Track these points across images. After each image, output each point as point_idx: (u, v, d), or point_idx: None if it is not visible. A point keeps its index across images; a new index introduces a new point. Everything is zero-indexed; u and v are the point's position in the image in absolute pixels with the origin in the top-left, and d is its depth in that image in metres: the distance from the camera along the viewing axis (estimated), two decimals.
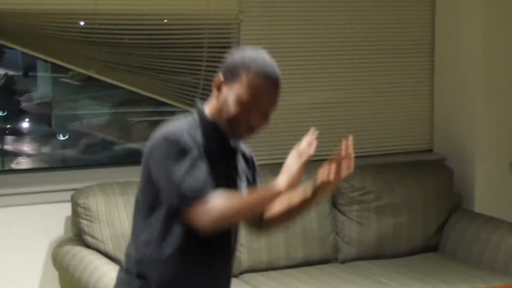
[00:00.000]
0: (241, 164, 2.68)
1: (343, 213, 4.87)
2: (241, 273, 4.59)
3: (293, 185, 2.41)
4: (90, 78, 5.32)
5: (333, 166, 2.52)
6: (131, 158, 5.54)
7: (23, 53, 5.02)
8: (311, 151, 2.46)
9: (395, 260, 4.84)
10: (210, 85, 4.80)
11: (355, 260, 4.84)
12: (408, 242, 4.95)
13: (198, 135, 2.52)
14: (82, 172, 4.83)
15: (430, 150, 5.47)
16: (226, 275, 2.74)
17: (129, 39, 4.81)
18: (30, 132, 5.84)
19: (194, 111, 2.63)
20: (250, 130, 2.53)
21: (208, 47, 4.93)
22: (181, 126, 2.53)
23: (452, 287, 4.41)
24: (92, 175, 4.70)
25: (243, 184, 2.65)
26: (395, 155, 5.32)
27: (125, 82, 4.84)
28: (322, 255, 4.78)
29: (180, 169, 2.42)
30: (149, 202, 2.58)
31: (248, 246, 4.60)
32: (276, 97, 2.53)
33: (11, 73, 5.57)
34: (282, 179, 2.41)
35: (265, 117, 2.54)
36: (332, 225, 4.82)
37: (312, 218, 4.72)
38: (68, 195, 4.49)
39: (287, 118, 5.02)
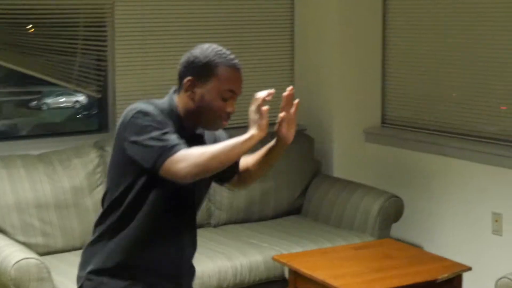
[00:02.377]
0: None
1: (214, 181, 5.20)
2: None
3: (263, 128, 2.55)
4: None
5: (282, 114, 2.66)
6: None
7: None
8: (266, 95, 2.60)
9: (263, 223, 5.25)
10: (86, 63, 5.13)
11: (226, 224, 5.20)
12: (274, 206, 5.36)
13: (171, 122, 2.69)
14: None
15: None
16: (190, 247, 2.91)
17: (4, 17, 4.95)
18: None
19: (164, 99, 2.79)
20: (229, 117, 2.75)
21: (84, 26, 5.15)
22: (154, 107, 2.70)
23: (316, 244, 4.82)
24: None
25: None
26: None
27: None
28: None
29: (156, 133, 2.60)
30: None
31: None
32: (242, 81, 2.76)
33: None
34: (251, 128, 2.57)
35: (235, 101, 2.76)
36: None
37: None
38: None
39: (161, 95, 5.28)
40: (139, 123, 2.63)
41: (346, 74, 5.65)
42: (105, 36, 5.19)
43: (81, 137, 5.18)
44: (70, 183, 4.71)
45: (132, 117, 2.65)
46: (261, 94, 2.61)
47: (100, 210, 2.85)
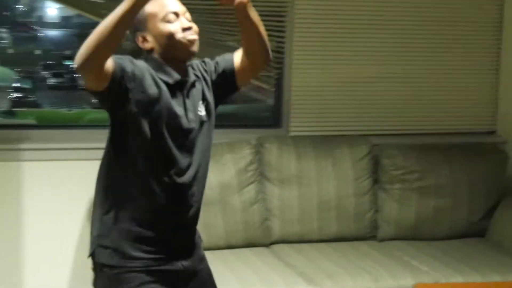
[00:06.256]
0: (198, 89, 2.88)
1: (384, 191, 4.77)
2: (271, 244, 4.59)
3: None
4: None
5: None
6: None
7: None
8: None
9: (435, 243, 4.70)
10: None
11: (393, 240, 4.73)
12: (450, 226, 4.79)
13: (156, 75, 2.75)
14: None
15: (492, 132, 5.24)
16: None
17: None
18: None
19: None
20: (188, 30, 2.76)
21: (261, 15, 4.85)
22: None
23: (483, 276, 4.21)
24: None
25: (200, 107, 2.86)
26: (452, 135, 5.12)
27: None
28: (358, 232, 4.70)
29: None
30: None
31: (280, 217, 4.59)
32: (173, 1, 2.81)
33: None
34: None
35: (189, 20, 2.81)
36: (372, 202, 4.73)
37: (349, 194, 4.66)
38: None
39: (338, 91, 4.96)
40: None
41: None
42: (283, 27, 4.89)
43: (251, 131, 4.91)
44: (218, 179, 4.48)
45: None
46: None
47: None
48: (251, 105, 5.60)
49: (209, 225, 4.42)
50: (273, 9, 4.90)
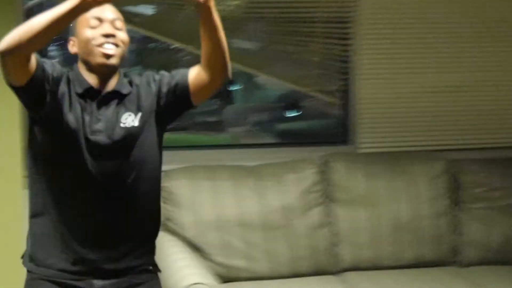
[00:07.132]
0: (124, 100, 2.75)
1: (465, 211, 4.38)
2: (340, 271, 4.23)
3: None
4: None
5: None
6: None
7: None
8: None
9: None
10: (325, 64, 4.54)
11: (477, 265, 4.34)
12: None
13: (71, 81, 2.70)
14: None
15: None
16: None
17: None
18: None
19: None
20: (109, 37, 2.66)
21: (323, 22, 4.56)
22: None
23: None
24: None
25: (130, 118, 2.72)
26: None
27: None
28: (437, 257, 4.31)
29: None
30: None
31: (350, 242, 4.24)
32: (106, 8, 2.70)
33: None
34: None
35: (112, 26, 2.70)
36: (451, 224, 4.34)
37: (426, 215, 4.29)
38: None
39: (411, 103, 4.64)
40: None
41: None
42: (347, 34, 4.54)
43: (316, 149, 4.55)
44: (280, 201, 4.13)
45: None
46: None
47: None
48: (319, 121, 5.25)
49: (271, 251, 4.11)
50: (336, 15, 4.59)
